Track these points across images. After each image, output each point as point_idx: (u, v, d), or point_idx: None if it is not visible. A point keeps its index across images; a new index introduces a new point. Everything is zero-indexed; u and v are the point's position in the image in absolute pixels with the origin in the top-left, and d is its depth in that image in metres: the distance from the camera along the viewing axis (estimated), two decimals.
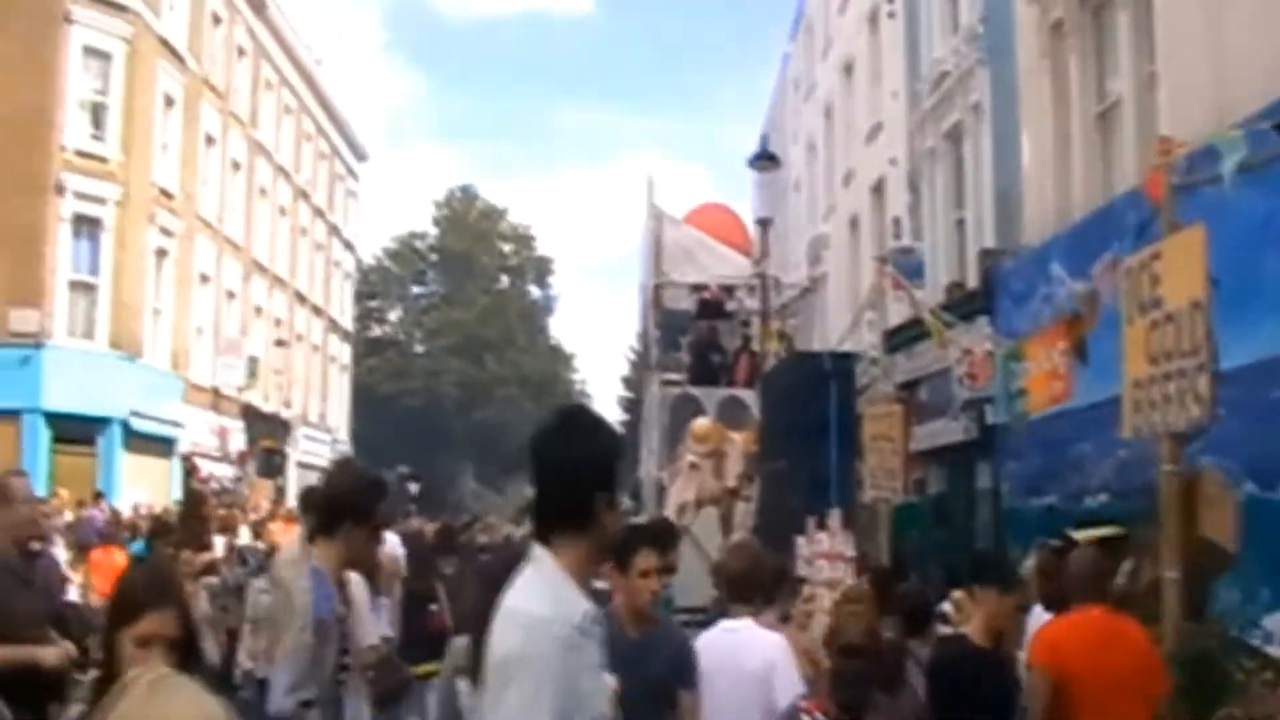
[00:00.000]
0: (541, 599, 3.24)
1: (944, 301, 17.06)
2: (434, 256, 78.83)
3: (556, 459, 3.44)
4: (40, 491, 21.62)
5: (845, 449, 15.03)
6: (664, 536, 5.60)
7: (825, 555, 12.35)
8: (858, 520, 13.74)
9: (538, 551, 3.35)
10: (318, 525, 5.40)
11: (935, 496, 17.49)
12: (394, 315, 78.66)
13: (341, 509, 5.31)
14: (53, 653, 5.53)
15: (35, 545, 6.99)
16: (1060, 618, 6.38)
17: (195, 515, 13.35)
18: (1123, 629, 6.06)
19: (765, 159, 23.49)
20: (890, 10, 23.24)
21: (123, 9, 29.50)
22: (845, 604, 7.34)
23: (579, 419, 3.63)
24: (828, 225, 29.86)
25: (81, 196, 28.57)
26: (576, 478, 3.39)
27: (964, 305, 16.07)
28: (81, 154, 28.61)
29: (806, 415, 15.77)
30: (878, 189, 24.73)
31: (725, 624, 6.08)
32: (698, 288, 29.33)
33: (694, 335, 28.33)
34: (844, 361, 16.58)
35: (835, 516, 12.72)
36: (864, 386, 16.63)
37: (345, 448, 53.40)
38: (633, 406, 58.84)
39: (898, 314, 18.21)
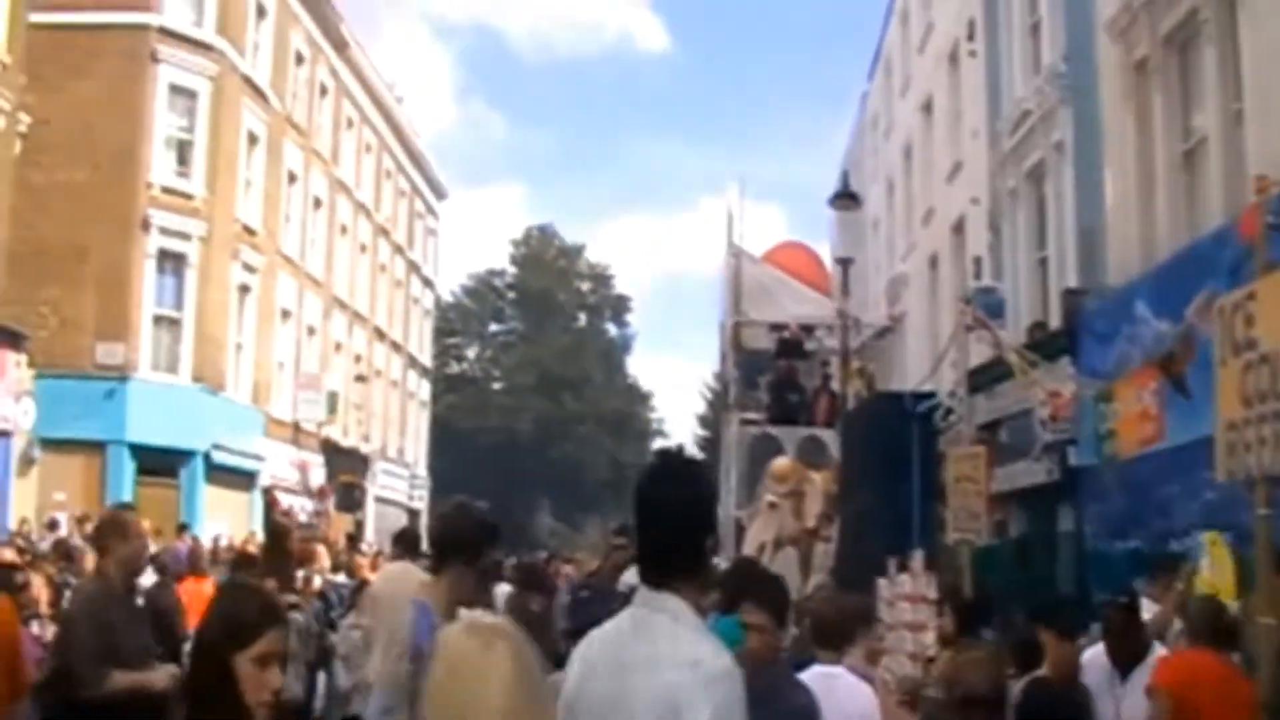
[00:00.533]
0: (709, 648, 3.23)
1: (1026, 341, 16.89)
2: (512, 294, 79.18)
3: (669, 503, 3.39)
4: None
5: (927, 490, 14.86)
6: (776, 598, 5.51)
7: (907, 597, 12.22)
8: (940, 562, 13.58)
9: (672, 602, 3.30)
10: (430, 563, 5.47)
11: (1017, 539, 17.21)
12: (472, 352, 79.03)
13: (452, 549, 5.34)
14: (162, 676, 5.95)
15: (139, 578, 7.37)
16: (1184, 652, 6.54)
17: (279, 549, 13.38)
18: (1235, 671, 6.21)
19: (846, 198, 23.35)
20: (971, 49, 23.12)
21: (208, 48, 30.05)
22: (965, 651, 7.23)
23: (686, 463, 3.61)
24: (907, 264, 29.72)
25: (167, 232, 29.05)
26: (690, 522, 3.39)
27: (1047, 345, 15.91)
28: (167, 191, 29.11)
29: (888, 455, 15.61)
30: (958, 228, 24.55)
31: (820, 669, 6.03)
32: (777, 327, 29.07)
33: (773, 374, 28.11)
34: (926, 401, 16.39)
35: (917, 558, 12.56)
36: (945, 427, 16.45)
37: (423, 483, 53.60)
38: (710, 445, 58.58)
39: (979, 354, 17.98)
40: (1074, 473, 14.34)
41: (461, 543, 5.36)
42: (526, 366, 74.59)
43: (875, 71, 35.27)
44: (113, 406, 27.24)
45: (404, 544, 11.42)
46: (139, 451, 27.77)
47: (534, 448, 72.37)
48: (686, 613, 3.28)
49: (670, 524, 3.38)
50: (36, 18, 25.18)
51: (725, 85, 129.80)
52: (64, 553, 17.53)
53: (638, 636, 3.29)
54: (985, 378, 17.58)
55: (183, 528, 23.18)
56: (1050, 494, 15.99)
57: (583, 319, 79.38)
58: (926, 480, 14.96)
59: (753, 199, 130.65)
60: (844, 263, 24.77)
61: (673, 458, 3.59)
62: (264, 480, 33.53)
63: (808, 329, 28.89)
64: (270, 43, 34.52)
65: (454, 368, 76.10)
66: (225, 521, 28.30)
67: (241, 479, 31.97)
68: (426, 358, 57.81)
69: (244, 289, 32.83)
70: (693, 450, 69.76)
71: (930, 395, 16.97)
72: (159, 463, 28.10)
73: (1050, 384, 14.44)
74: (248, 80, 32.45)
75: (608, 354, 78.67)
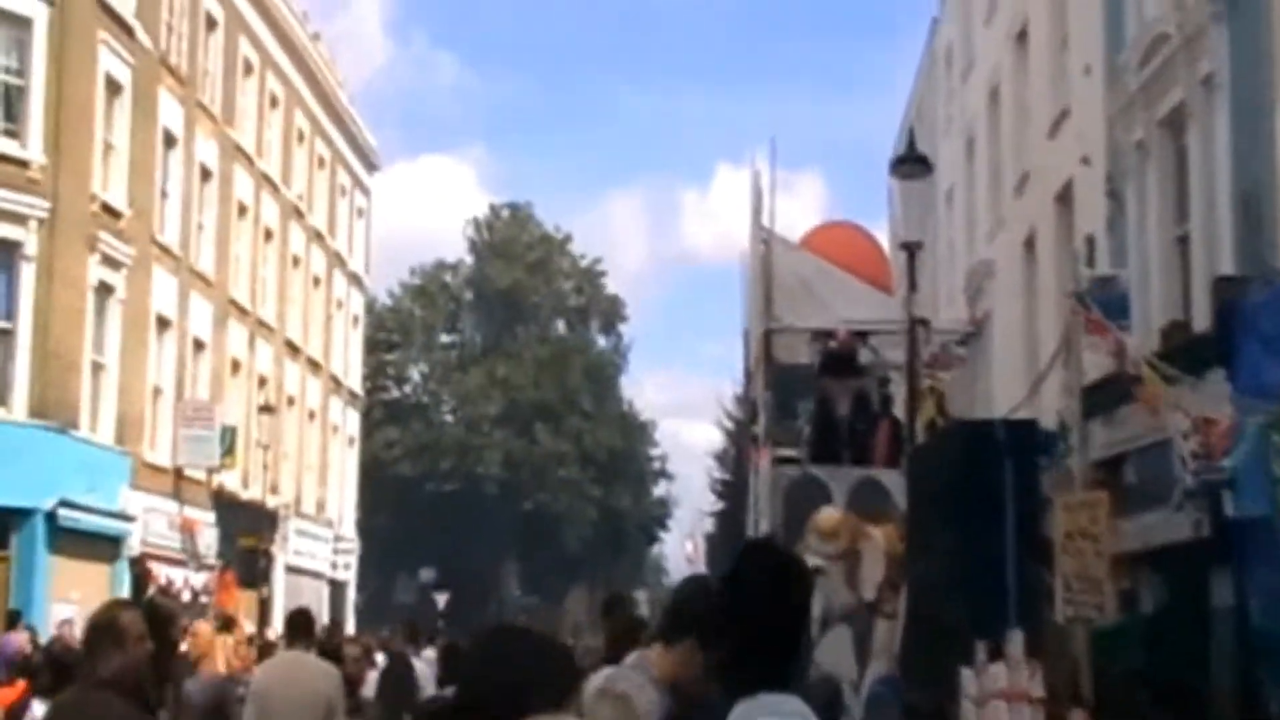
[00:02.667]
0: None
1: (1159, 349, 16.89)
2: (469, 295, 79.41)
3: (770, 611, 4.13)
4: None
5: (1027, 550, 14.63)
6: None
7: (1003, 695, 12.17)
8: (1047, 647, 13.23)
9: (794, 704, 4.07)
10: (661, 633, 6.47)
11: (1152, 616, 17.00)
12: (416, 372, 79.20)
13: (689, 624, 6.17)
14: None
15: None
16: None
17: (160, 641, 12.83)
18: None
19: (913, 162, 23.14)
20: None
21: None
22: None
23: (788, 564, 4.37)
24: (993, 248, 29.74)
25: None
26: (794, 631, 4.24)
27: (1191, 354, 15.70)
28: None
29: (971, 504, 15.41)
30: (1064, 198, 24.53)
31: None
32: (821, 335, 28.94)
33: (817, 398, 28.01)
34: (1024, 432, 16.15)
35: (1015, 641, 12.47)
36: (1050, 466, 16.21)
37: (351, 547, 53.47)
38: (731, 492, 58.48)
39: (1095, 368, 17.85)
40: (1232, 527, 13.96)
41: (699, 620, 6.05)
42: (489, 390, 74.66)
43: None
44: None
45: (297, 628, 12.58)
46: None
47: (499, 498, 72.56)
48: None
49: (763, 633, 4.12)
50: None
51: (749, 12, 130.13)
52: None
53: None
54: (1104, 399, 17.64)
55: (13, 617, 22.76)
56: (1198, 555, 15.85)
57: (563, 327, 79.38)
58: (1026, 537, 14.77)
59: (786, 167, 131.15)
60: (910, 248, 24.65)
61: (770, 555, 4.46)
62: (133, 547, 33.28)
63: (861, 336, 28.73)
64: None
65: (393, 393, 76.40)
66: (78, 603, 27.84)
67: (101, 546, 31.78)
68: (355, 380, 57.98)
69: (104, 289, 32.63)
70: (704, 498, 69.88)
71: (1029, 424, 16.82)
72: None
73: (1197, 407, 14.01)
74: (104, 6, 32.18)
75: (597, 373, 78.95)
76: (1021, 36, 27.79)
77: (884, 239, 32.86)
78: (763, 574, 4.16)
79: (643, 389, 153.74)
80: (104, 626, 7.23)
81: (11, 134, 29.41)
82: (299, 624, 12.50)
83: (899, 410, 25.57)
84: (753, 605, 4.11)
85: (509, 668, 4.76)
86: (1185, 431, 14.57)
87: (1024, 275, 27.09)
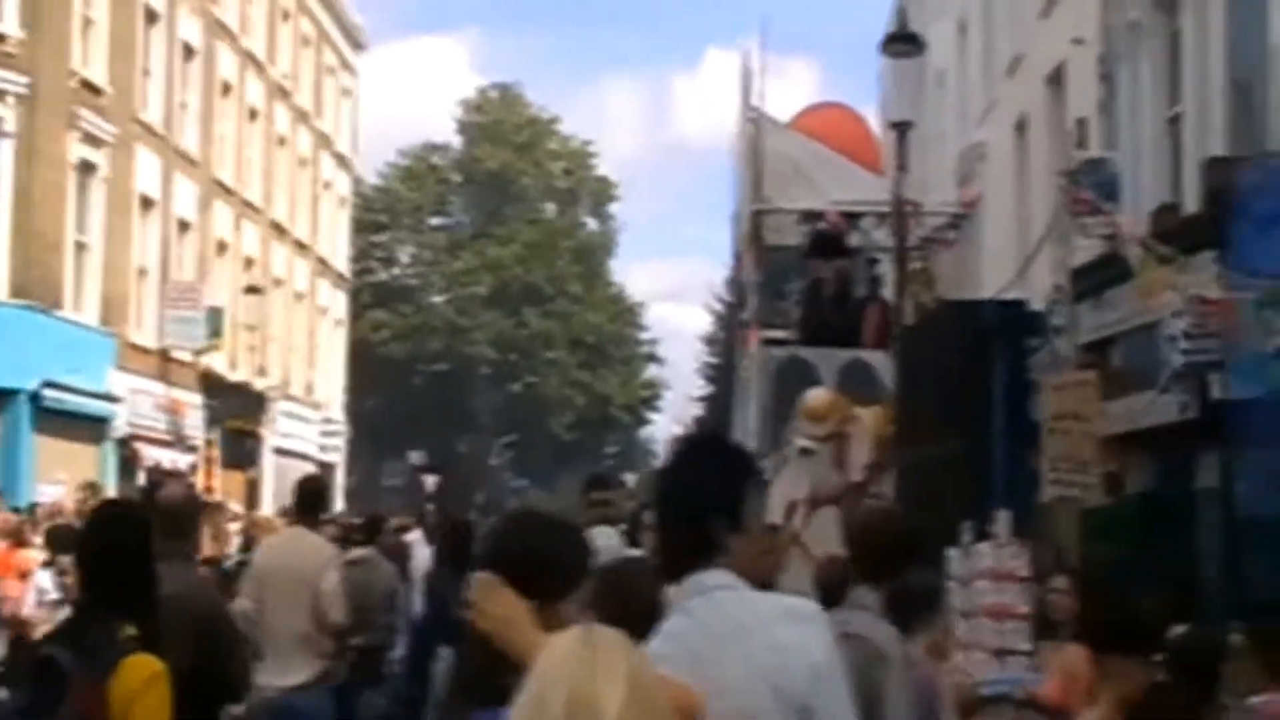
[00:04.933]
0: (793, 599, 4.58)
1: (1151, 230, 16.63)
2: (458, 177, 79.02)
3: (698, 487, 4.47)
4: None
5: (1015, 431, 14.71)
6: None
7: (989, 574, 12.33)
8: (1034, 527, 13.29)
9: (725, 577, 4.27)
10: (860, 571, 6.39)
11: (1140, 497, 17.01)
12: (405, 254, 78.95)
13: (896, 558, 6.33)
14: None
15: None
16: None
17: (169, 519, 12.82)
18: None
19: (903, 40, 23.03)
20: None
21: None
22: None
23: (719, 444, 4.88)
24: (985, 131, 29.43)
25: None
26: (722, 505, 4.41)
27: (1182, 235, 15.66)
28: None
29: (961, 386, 15.45)
30: (1056, 79, 24.22)
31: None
32: (810, 216, 29.06)
33: (805, 279, 28.01)
34: (1014, 313, 16.15)
35: (1003, 522, 12.62)
36: (1039, 347, 16.16)
37: (339, 430, 53.49)
38: (720, 374, 58.56)
39: (1085, 250, 17.82)
40: (1222, 408, 13.97)
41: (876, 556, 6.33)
42: (478, 272, 74.49)
43: None
44: None
45: (303, 502, 11.49)
46: None
47: (489, 380, 72.55)
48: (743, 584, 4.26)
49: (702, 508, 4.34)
50: None
51: None
52: None
53: (717, 617, 4.19)
54: (1094, 280, 17.54)
55: None
56: (1187, 437, 15.72)
57: (552, 209, 79.13)
58: (1014, 418, 14.83)
59: (777, 52, 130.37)
60: (901, 128, 24.51)
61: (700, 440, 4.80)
62: (120, 428, 33.27)
63: (851, 218, 28.78)
64: None
65: (381, 275, 76.05)
66: (64, 484, 27.88)
67: (87, 427, 31.74)
68: (343, 262, 57.72)
69: (87, 168, 32.41)
70: (693, 381, 69.89)
71: (1019, 304, 16.82)
72: None
73: (1191, 287, 13.98)
74: None
75: (586, 255, 78.70)
76: None
77: (876, 124, 32.74)
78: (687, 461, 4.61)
79: (634, 277, 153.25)
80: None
81: None
82: (306, 496, 11.47)
83: (889, 292, 25.60)
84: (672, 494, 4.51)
85: (538, 550, 4.78)
86: (1178, 310, 14.54)
87: (1015, 157, 26.76)
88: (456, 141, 79.39)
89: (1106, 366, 17.28)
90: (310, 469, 40.62)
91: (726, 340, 53.41)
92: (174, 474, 32.61)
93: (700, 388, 72.55)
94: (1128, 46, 20.49)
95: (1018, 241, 24.60)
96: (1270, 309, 11.97)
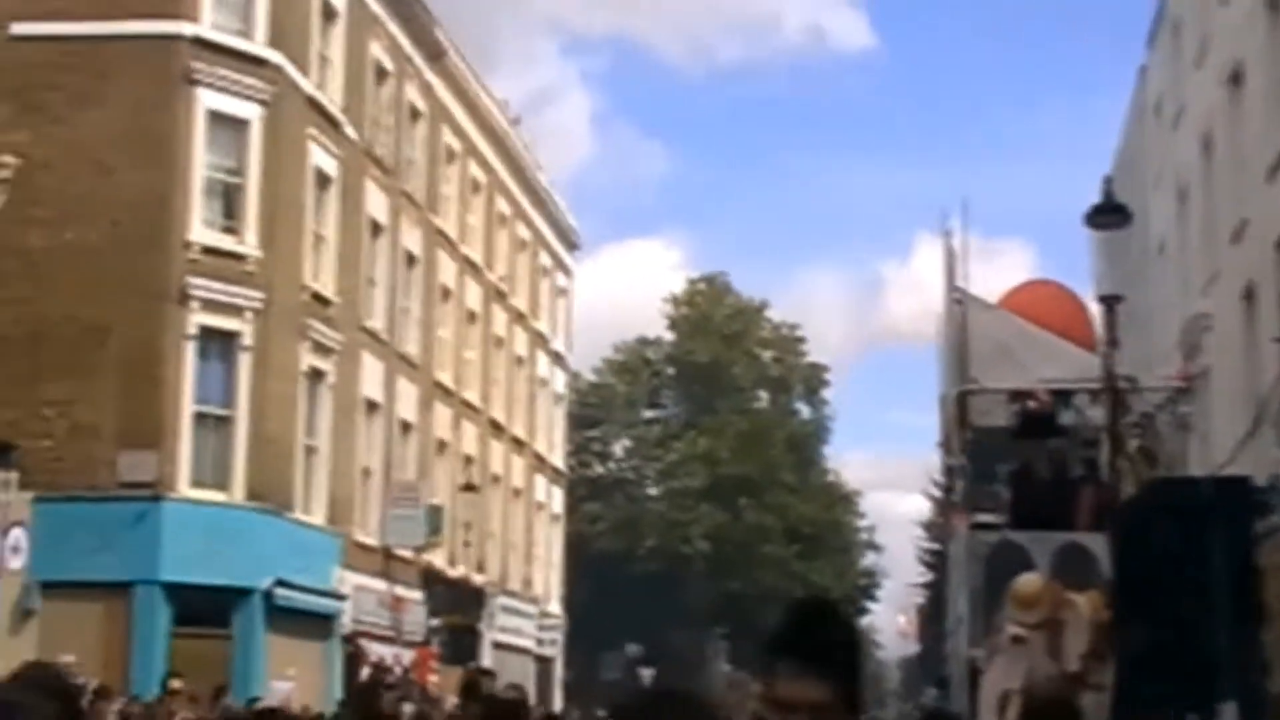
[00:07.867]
0: None
1: None
2: (671, 370, 79.20)
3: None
4: (154, 687, 21.76)
5: (1241, 616, 14.10)
6: None
7: None
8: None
9: None
10: None
11: None
12: (620, 448, 79.00)
13: None
14: None
15: None
16: None
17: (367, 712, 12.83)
18: None
19: (1109, 211, 22.62)
20: None
21: (260, 64, 30.39)
22: None
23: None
24: (1209, 300, 28.92)
25: (211, 306, 29.38)
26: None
27: None
28: (210, 251, 29.48)
29: (1181, 568, 14.89)
30: None
31: None
32: (1019, 395, 28.43)
33: (1016, 461, 27.47)
34: (1234, 490, 15.62)
35: (1229, 715, 12.27)
36: (1266, 529, 15.65)
37: (557, 624, 53.36)
38: (939, 561, 57.63)
39: None
40: None
41: None
42: (693, 464, 74.21)
43: (1157, 35, 34.44)
44: (141, 535, 27.37)
45: (469, 698, 11.41)
46: (177, 593, 27.83)
47: (705, 573, 71.86)
48: None
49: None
50: (26, 28, 25.37)
51: (946, 84, 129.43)
52: None
53: None
54: None
55: (217, 691, 22.61)
56: None
57: (764, 398, 78.87)
58: (1241, 602, 14.19)
59: (985, 234, 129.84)
60: (1109, 301, 24.02)
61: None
62: (345, 625, 33.51)
63: (1063, 396, 28.14)
64: (341, 55, 34.94)
65: (596, 469, 76.16)
66: (294, 680, 28.10)
67: (314, 624, 32.04)
68: (559, 457, 57.99)
69: (315, 375, 33.07)
70: (911, 568, 68.92)
71: (1241, 480, 16.30)
72: (204, 607, 28.18)
73: None
74: (313, 104, 32.77)
75: (800, 444, 78.17)
76: (1235, 79, 26.90)
77: (1093, 302, 32.26)
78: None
79: (848, 465, 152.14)
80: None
81: (229, 230, 29.93)
82: (472, 691, 11.41)
83: (1104, 473, 24.99)
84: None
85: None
86: None
87: (1243, 327, 26.20)
88: (668, 335, 79.76)
89: None
90: (529, 665, 40.55)
91: (942, 525, 52.56)
92: (384, 671, 32.55)
93: (920, 574, 71.48)
94: None
95: (1247, 415, 23.94)
96: None
